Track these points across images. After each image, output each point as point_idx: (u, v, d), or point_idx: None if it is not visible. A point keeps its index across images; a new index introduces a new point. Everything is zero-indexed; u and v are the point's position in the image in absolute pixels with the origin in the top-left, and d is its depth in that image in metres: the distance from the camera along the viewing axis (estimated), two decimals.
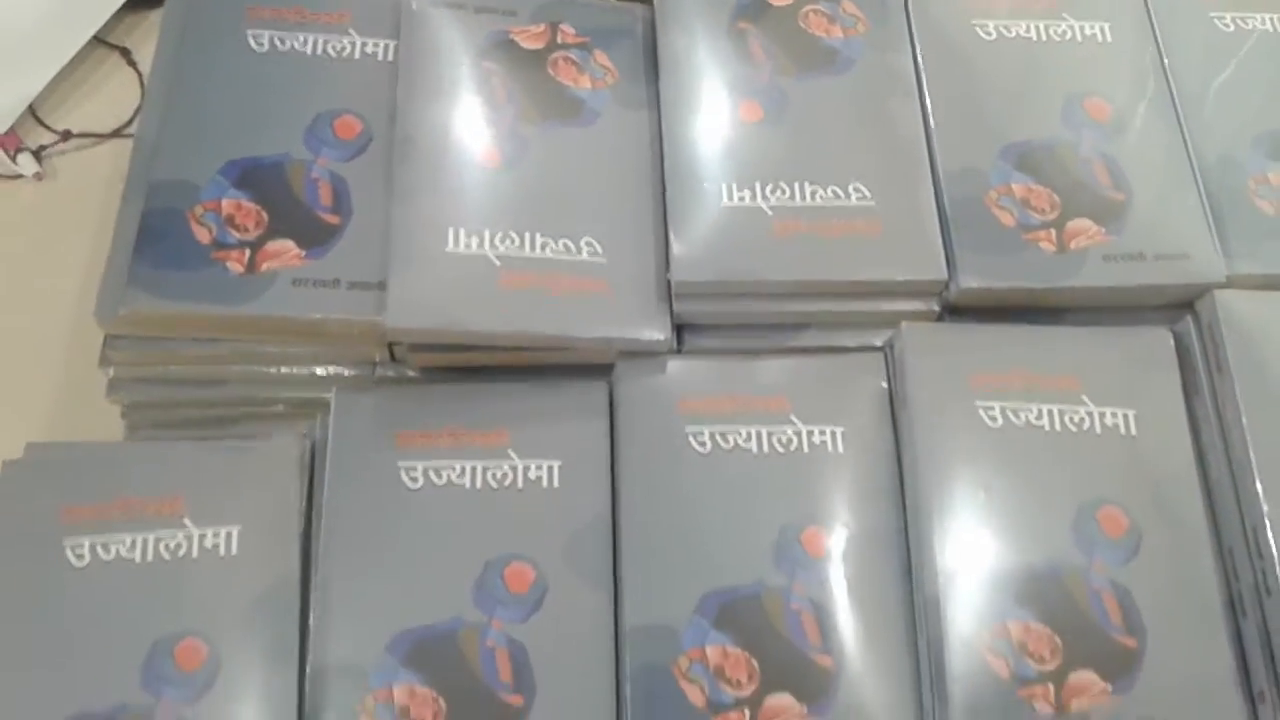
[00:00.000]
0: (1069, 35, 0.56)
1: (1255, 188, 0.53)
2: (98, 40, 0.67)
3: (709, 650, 0.45)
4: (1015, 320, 0.51)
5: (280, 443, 0.49)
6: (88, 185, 0.64)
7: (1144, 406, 0.49)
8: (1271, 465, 0.47)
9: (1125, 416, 0.49)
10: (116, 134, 0.65)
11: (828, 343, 0.52)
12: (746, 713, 0.44)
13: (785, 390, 0.50)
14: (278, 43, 0.54)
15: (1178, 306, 0.52)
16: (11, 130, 0.65)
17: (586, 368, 0.51)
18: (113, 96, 0.67)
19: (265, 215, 0.50)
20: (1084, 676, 0.44)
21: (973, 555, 0.46)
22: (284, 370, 0.52)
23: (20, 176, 0.64)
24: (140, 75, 0.66)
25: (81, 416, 0.55)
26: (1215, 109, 0.55)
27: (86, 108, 0.66)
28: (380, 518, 0.48)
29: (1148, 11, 0.57)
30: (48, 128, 0.65)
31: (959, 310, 0.51)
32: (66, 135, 0.65)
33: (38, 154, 0.64)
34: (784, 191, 0.51)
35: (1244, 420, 0.48)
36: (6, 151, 0.64)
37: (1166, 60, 0.55)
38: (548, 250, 0.50)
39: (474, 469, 0.49)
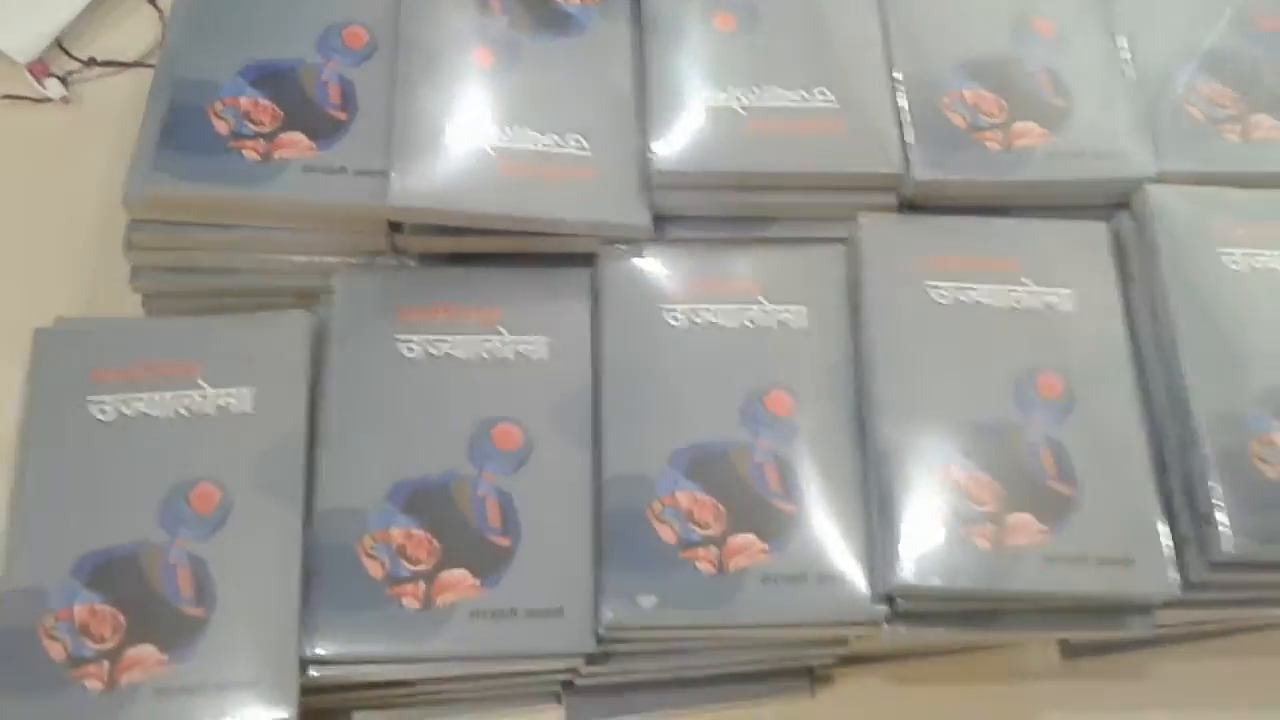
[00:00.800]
0: None
1: (1187, 95, 0.58)
2: None
3: (679, 496, 0.49)
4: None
5: (291, 315, 0.54)
6: (109, 108, 0.69)
7: (1080, 287, 0.54)
8: (1194, 339, 0.52)
9: (1062, 295, 0.54)
10: (137, 64, 0.70)
11: (795, 234, 0.56)
12: (714, 549, 0.49)
13: (753, 276, 0.55)
14: None
15: (1116, 207, 0.57)
16: (40, 59, 0.70)
17: (572, 257, 0.56)
18: (134, 31, 0.72)
19: (280, 111, 0.55)
20: (1023, 518, 0.49)
21: (920, 413, 0.50)
22: (294, 259, 0.56)
23: (48, 100, 0.69)
24: (161, 12, 0.71)
25: (106, 307, 0.60)
26: (1154, 26, 0.59)
27: (109, 40, 0.71)
28: (379, 383, 0.52)
29: None
30: (73, 57, 0.70)
31: (915, 206, 0.56)
32: (91, 62, 0.70)
33: (64, 80, 0.69)
34: (756, 94, 0.56)
35: (1170, 300, 0.52)
36: (36, 77, 0.69)
37: None
38: (538, 144, 0.54)
39: (467, 343, 0.53)
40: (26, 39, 0.69)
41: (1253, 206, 0.55)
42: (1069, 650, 0.57)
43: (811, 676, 0.56)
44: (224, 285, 0.57)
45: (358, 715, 0.53)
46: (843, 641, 0.52)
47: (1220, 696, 0.57)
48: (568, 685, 0.53)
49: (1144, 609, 0.50)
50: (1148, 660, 0.58)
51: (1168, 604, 0.50)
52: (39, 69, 0.69)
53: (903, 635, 0.49)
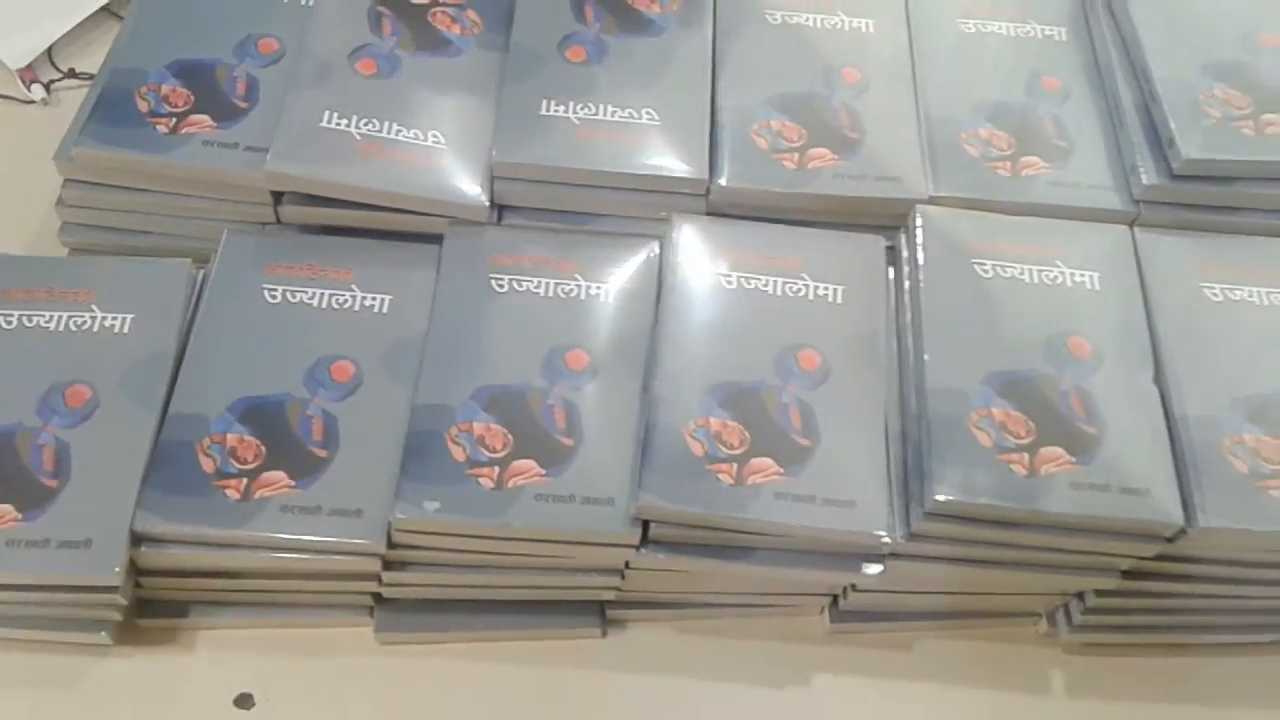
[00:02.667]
0: (837, 25, 0.71)
1: (966, 138, 0.67)
2: (107, 10, 0.85)
3: (475, 425, 0.58)
4: None
5: (175, 261, 0.64)
6: None
7: (852, 285, 0.62)
8: (936, 329, 0.60)
9: (835, 290, 0.62)
10: None
11: (617, 229, 0.66)
12: (497, 469, 0.56)
13: (574, 258, 0.64)
14: None
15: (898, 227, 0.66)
16: (30, 66, 0.82)
17: (427, 236, 0.65)
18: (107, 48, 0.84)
19: (192, 97, 0.66)
20: (763, 463, 0.56)
21: (691, 375, 0.58)
22: (194, 222, 0.67)
23: (32, 102, 0.81)
24: None
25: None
26: (946, 82, 0.69)
27: (88, 55, 0.84)
28: (241, 319, 0.62)
29: (906, 14, 0.73)
30: (56, 67, 0.83)
31: (723, 214, 0.65)
32: (71, 73, 0.82)
33: (47, 86, 0.82)
34: (590, 109, 0.66)
35: (922, 295, 0.61)
36: (24, 81, 0.81)
37: (915, 48, 0.71)
38: (400, 135, 0.65)
39: (322, 294, 0.63)
40: (21, 48, 0.82)
41: (1011, 228, 0.64)
42: (837, 616, 0.63)
43: (603, 616, 0.63)
44: (136, 244, 0.67)
45: (193, 609, 0.61)
46: (616, 570, 0.59)
47: (973, 674, 0.63)
48: (379, 599, 0.61)
49: (876, 556, 0.57)
50: (913, 637, 0.64)
51: (895, 553, 0.57)
52: (27, 75, 0.82)
53: (656, 560, 0.57)
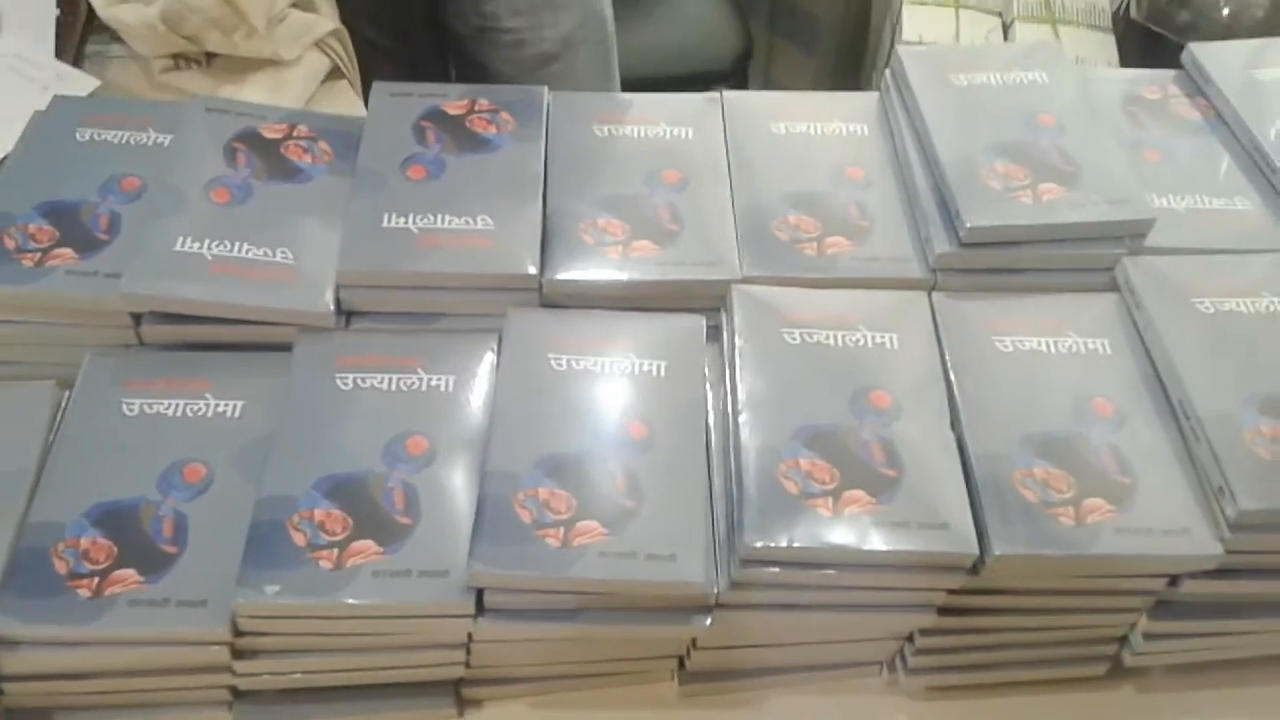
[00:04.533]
0: (660, 134, 0.78)
1: (777, 225, 0.73)
2: None
3: (316, 512, 0.61)
4: None
5: (39, 383, 0.68)
6: None
7: (673, 360, 0.67)
8: (751, 392, 0.64)
9: (659, 366, 0.67)
10: None
11: (460, 327, 0.70)
12: (336, 551, 0.59)
13: (417, 353, 0.68)
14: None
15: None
16: None
17: (282, 346, 0.70)
18: None
19: (56, 232, 0.71)
20: (589, 525, 0.59)
21: (518, 449, 0.62)
22: (61, 349, 0.70)
23: None
24: None
25: None
26: (757, 177, 0.76)
27: None
28: (101, 433, 0.65)
29: (724, 121, 0.80)
30: None
31: (557, 305, 0.71)
32: None
33: None
34: (430, 219, 0.71)
35: (736, 362, 0.66)
36: None
37: (730, 149, 0.77)
38: (250, 254, 0.70)
39: (178, 405, 0.67)
40: None
41: (817, 300, 0.69)
42: (685, 678, 0.66)
43: (458, 696, 0.65)
44: (13, 373, 0.71)
45: (57, 716, 0.62)
46: (460, 645, 0.61)
47: None
48: (237, 693, 0.63)
49: (703, 608, 0.60)
50: (762, 694, 0.67)
51: (721, 604, 0.60)
52: None
53: (494, 628, 0.59)
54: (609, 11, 1.19)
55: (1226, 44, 0.85)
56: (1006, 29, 1.50)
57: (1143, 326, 0.68)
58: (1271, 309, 0.68)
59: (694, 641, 0.63)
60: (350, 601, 0.58)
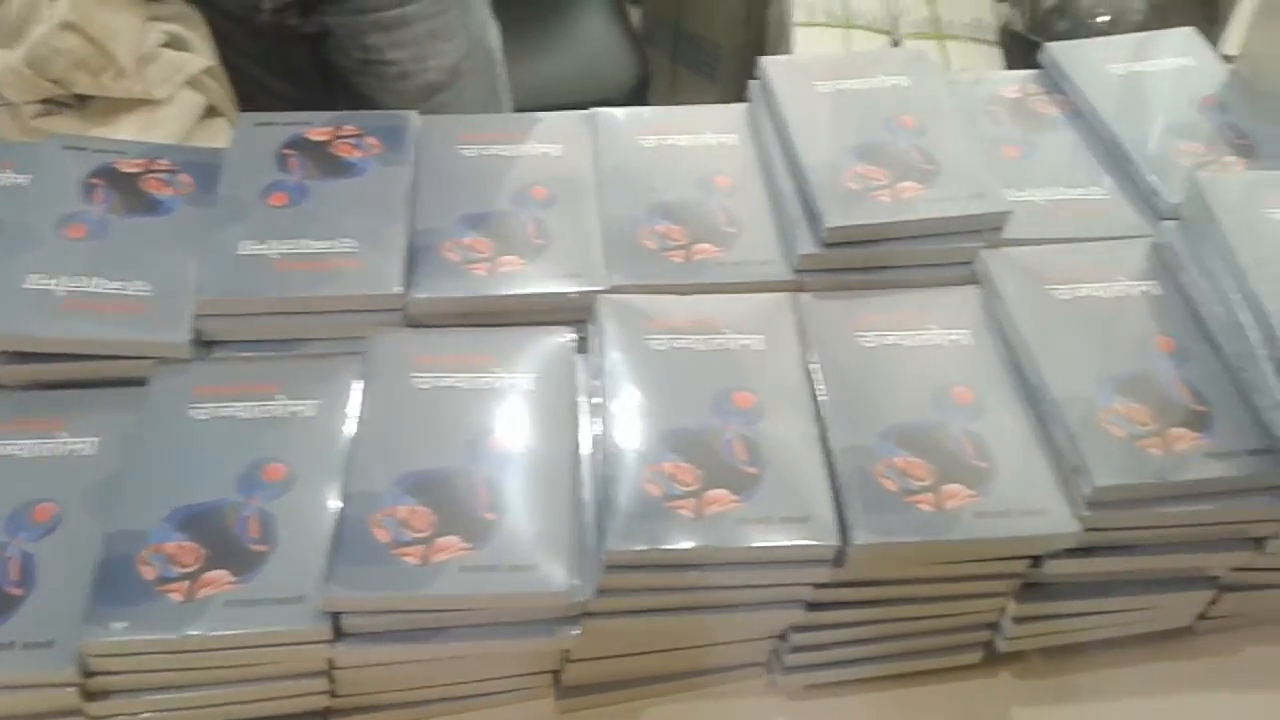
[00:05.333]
0: (529, 151, 0.78)
1: (644, 234, 0.73)
2: None
3: (168, 545, 0.59)
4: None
5: None
6: None
7: (543, 374, 0.66)
8: (617, 403, 0.64)
9: (526, 380, 0.66)
10: None
11: (326, 350, 0.70)
12: (186, 583, 0.58)
13: (277, 380, 0.67)
14: None
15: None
16: None
17: (140, 381, 0.68)
18: None
19: None
20: (449, 541, 0.58)
21: (377, 469, 0.61)
22: None
23: None
24: None
25: None
26: (625, 189, 0.76)
27: None
28: None
29: (594, 137, 0.80)
30: None
31: (423, 325, 0.70)
32: None
33: None
34: (290, 244, 0.71)
35: (604, 371, 0.65)
36: None
37: (598, 163, 0.78)
38: (104, 288, 0.68)
39: (29, 444, 0.65)
40: None
41: (683, 305, 0.69)
42: (561, 693, 0.65)
43: None
44: None
45: None
46: (320, 673, 0.60)
47: None
48: None
49: (570, 618, 0.59)
50: (641, 705, 0.66)
51: (589, 612, 0.59)
52: None
53: (354, 653, 0.58)
54: (496, 42, 1.20)
55: (1082, 42, 0.87)
56: (896, 46, 1.53)
57: (1001, 316, 0.69)
58: (1126, 292, 0.69)
59: (567, 654, 0.63)
60: (198, 634, 0.56)
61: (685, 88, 1.97)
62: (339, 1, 1.08)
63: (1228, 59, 0.86)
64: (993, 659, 0.67)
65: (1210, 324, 0.67)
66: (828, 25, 1.51)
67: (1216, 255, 0.67)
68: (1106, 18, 1.39)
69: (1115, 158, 0.78)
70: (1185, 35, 0.87)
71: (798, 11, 1.53)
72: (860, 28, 1.51)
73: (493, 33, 1.19)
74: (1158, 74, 0.83)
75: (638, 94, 1.56)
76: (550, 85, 1.47)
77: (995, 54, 1.51)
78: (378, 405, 0.65)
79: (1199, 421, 0.63)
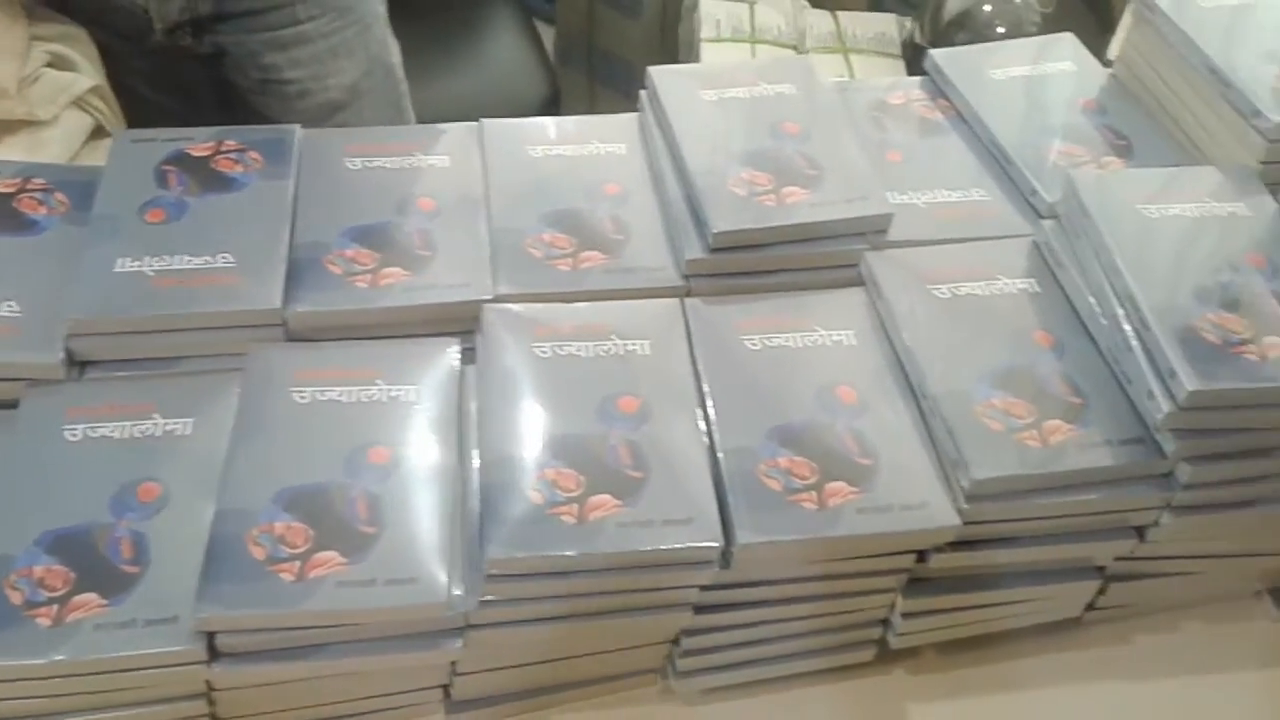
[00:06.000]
0: (414, 164, 0.78)
1: (531, 243, 0.73)
2: None
3: (36, 569, 0.57)
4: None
5: None
6: None
7: (425, 385, 0.66)
8: (496, 411, 0.64)
9: (409, 390, 0.65)
10: None
11: (197, 369, 0.68)
12: (55, 608, 0.56)
13: (152, 399, 0.66)
14: None
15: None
16: None
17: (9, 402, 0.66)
18: None
19: None
20: (327, 556, 0.57)
21: (252, 486, 0.60)
22: None
23: None
24: None
25: None
26: (513, 199, 0.75)
27: None
28: None
29: (481, 149, 0.80)
30: None
31: (306, 339, 0.69)
32: None
33: None
34: (166, 260, 0.69)
35: (483, 380, 0.65)
36: None
37: (487, 175, 0.77)
38: None
39: None
40: None
41: (570, 313, 0.69)
42: (451, 708, 0.64)
43: None
44: None
45: None
46: (199, 694, 0.58)
47: None
48: None
49: (453, 630, 0.59)
50: (536, 717, 0.65)
51: (473, 624, 0.59)
52: None
53: (232, 674, 0.57)
54: (396, 59, 1.19)
55: (964, 49, 0.89)
56: None
57: (884, 316, 0.70)
58: (1005, 290, 0.70)
59: (455, 667, 0.62)
60: (66, 659, 0.55)
61: (603, 104, 1.97)
62: (234, 20, 1.07)
63: (1110, 64, 0.89)
64: (886, 656, 0.68)
65: (1087, 318, 0.69)
66: (734, 40, 1.52)
67: (1092, 252, 0.69)
68: (1003, 29, 1.43)
69: (997, 160, 0.80)
70: (1065, 40, 0.89)
71: (705, 27, 1.54)
72: (766, 43, 1.53)
73: (394, 51, 1.18)
74: (1038, 78, 0.85)
75: (548, 111, 1.57)
76: (459, 103, 1.46)
77: (899, 66, 1.54)
78: (255, 421, 0.64)
79: (1075, 413, 0.64)
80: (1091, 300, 0.68)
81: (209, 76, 1.14)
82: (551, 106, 1.55)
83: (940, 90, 0.86)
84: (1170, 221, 0.70)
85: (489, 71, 1.54)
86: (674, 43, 1.73)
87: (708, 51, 1.50)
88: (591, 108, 1.98)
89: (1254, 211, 0.71)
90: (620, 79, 1.91)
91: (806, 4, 1.61)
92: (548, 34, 1.96)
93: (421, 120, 1.25)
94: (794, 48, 1.54)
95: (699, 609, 0.62)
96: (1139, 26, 0.84)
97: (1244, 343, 0.63)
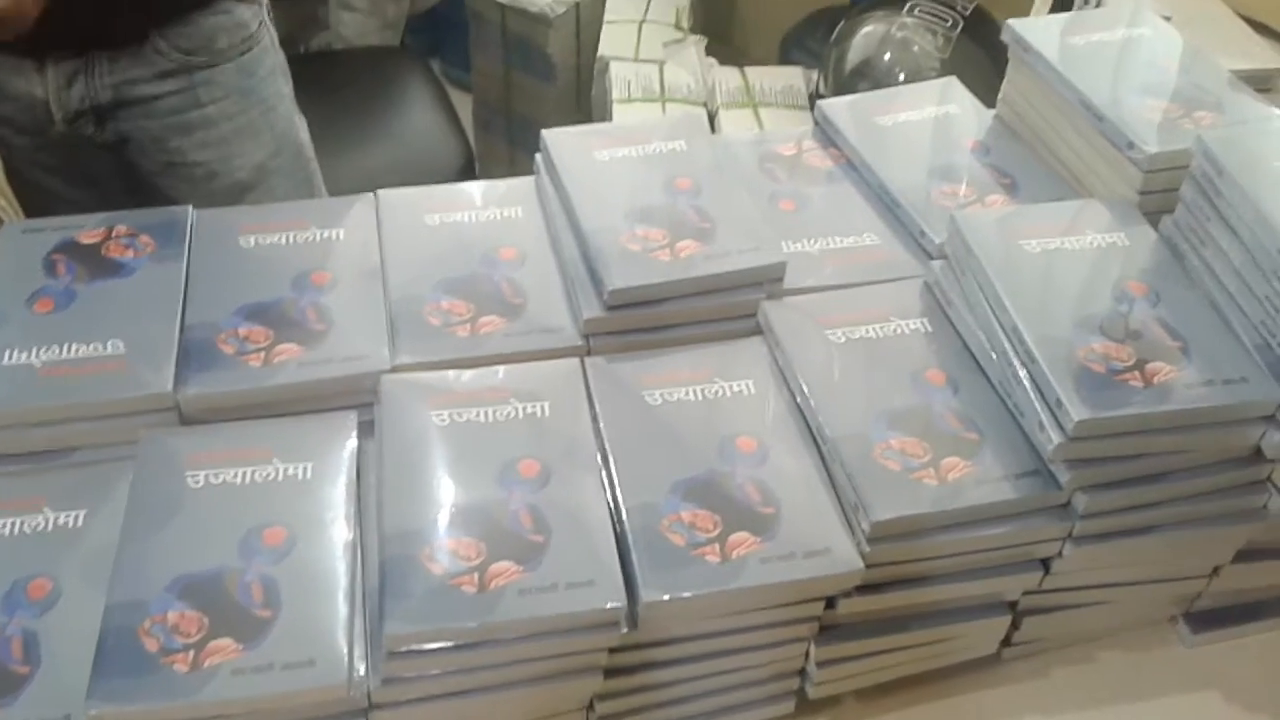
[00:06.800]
0: (310, 238, 0.77)
1: (429, 310, 0.72)
2: None
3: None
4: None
5: None
6: None
7: (320, 462, 0.65)
8: (395, 484, 0.63)
9: (304, 468, 0.64)
10: None
11: (90, 459, 0.67)
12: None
13: (41, 493, 0.64)
14: None
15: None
16: None
17: None
18: None
19: None
20: (222, 644, 0.56)
21: (144, 576, 0.59)
22: None
23: None
24: None
25: None
26: (410, 268, 0.75)
27: None
28: None
29: (377, 219, 0.79)
30: None
31: (200, 422, 0.68)
32: None
33: None
34: (54, 351, 0.68)
35: (384, 457, 0.64)
36: None
37: (383, 245, 0.77)
38: None
39: None
40: None
41: (469, 379, 0.68)
42: None
43: None
44: None
45: None
46: None
47: None
48: None
49: (357, 712, 0.57)
50: None
51: (376, 704, 0.57)
52: None
53: None
54: (305, 136, 1.19)
55: (851, 97, 0.91)
56: (713, 118, 1.57)
57: (782, 363, 0.70)
58: (898, 331, 0.71)
59: None
60: None
61: (522, 168, 1.95)
62: (135, 106, 1.06)
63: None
64: (806, 706, 0.67)
65: (978, 354, 0.70)
66: (645, 100, 1.55)
67: (978, 289, 0.70)
68: (904, 77, 1.46)
69: (886, 204, 0.81)
70: (949, 85, 0.92)
71: (616, 89, 1.57)
72: (677, 101, 1.56)
73: (301, 128, 1.18)
74: (923, 123, 0.87)
75: (465, 177, 1.57)
76: (375, 175, 1.42)
77: (807, 118, 1.57)
78: (147, 509, 0.62)
79: (971, 449, 0.65)
80: (981, 336, 0.69)
81: (114, 164, 1.12)
82: (468, 173, 1.56)
83: (830, 139, 0.88)
84: (1052, 255, 0.71)
85: (404, 142, 1.55)
86: (588, 104, 1.75)
87: (620, 112, 1.52)
88: (512, 171, 1.97)
89: (1134, 241, 0.73)
90: (538, 143, 1.93)
91: (714, 62, 1.64)
92: (465, 102, 1.98)
93: (338, 194, 1.25)
94: (704, 105, 1.57)
95: (610, 672, 0.61)
96: (1017, 67, 0.86)
97: (1129, 370, 0.64)
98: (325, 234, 0.79)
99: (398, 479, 0.63)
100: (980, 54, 1.51)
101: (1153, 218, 0.75)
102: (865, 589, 0.62)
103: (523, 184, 0.84)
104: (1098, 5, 1.14)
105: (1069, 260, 0.71)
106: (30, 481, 0.65)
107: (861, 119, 0.87)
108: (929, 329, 0.72)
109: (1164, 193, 0.76)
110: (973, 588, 0.66)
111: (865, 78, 1.48)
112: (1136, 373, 0.64)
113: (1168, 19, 0.90)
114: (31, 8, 0.90)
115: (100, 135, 1.07)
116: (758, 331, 0.74)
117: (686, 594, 0.59)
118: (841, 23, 1.55)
